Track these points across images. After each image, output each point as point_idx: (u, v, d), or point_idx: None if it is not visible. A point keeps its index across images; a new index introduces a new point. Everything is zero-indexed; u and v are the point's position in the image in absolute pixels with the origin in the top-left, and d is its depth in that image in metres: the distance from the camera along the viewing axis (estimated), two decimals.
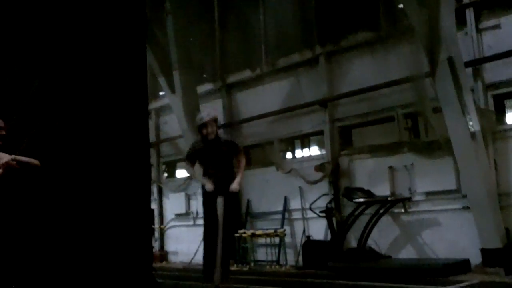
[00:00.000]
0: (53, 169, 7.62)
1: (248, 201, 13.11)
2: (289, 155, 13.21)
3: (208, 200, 6.28)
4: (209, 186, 6.23)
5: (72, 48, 8.03)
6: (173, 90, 13.42)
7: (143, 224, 8.61)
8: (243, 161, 6.66)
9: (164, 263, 14.69)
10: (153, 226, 15.01)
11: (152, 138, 15.24)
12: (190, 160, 6.68)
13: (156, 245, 15.37)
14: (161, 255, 15.09)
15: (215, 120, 6.73)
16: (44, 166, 7.26)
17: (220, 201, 6.18)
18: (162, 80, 13.64)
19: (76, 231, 7.59)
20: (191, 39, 13.82)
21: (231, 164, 6.63)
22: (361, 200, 10.23)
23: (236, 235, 12.44)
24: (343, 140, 11.75)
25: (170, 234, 15.40)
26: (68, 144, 7.79)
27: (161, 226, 15.45)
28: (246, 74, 13.53)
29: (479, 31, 9.63)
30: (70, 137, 7.83)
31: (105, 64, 8.39)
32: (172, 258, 15.13)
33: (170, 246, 15.35)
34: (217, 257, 6.09)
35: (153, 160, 15.54)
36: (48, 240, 7.33)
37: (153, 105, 15.66)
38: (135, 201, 8.40)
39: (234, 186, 6.42)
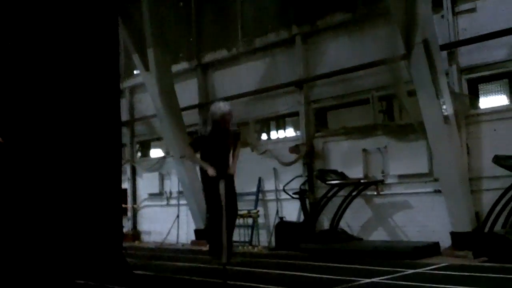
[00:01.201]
0: (22, 146, 7.44)
1: None
2: (264, 136, 13.13)
3: (210, 184, 6.47)
4: (212, 172, 6.37)
5: (41, 21, 7.78)
6: (147, 68, 13.12)
7: (113, 203, 8.48)
8: (239, 147, 6.86)
9: (136, 242, 14.58)
10: (125, 206, 14.90)
11: (126, 117, 15.05)
12: (194, 147, 6.81)
13: (129, 224, 15.26)
14: (133, 234, 15.00)
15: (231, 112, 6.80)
16: (10, 143, 7.09)
17: (222, 184, 6.37)
18: (136, 58, 13.33)
19: (44, 209, 7.45)
20: (167, 16, 13.49)
21: (229, 150, 6.78)
22: (334, 182, 10.22)
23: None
24: (318, 121, 11.70)
25: (143, 213, 15.27)
26: (37, 121, 7.59)
27: (134, 206, 15.32)
28: (222, 53, 13.34)
29: (455, 14, 9.59)
30: (38, 114, 7.63)
31: (75, 40, 8.15)
32: (145, 237, 15.03)
33: (143, 226, 15.24)
34: (223, 237, 6.25)
35: (127, 139, 15.36)
36: (17, 217, 7.18)
37: (127, 83, 15.42)
38: (105, 179, 8.26)
39: (233, 169, 6.62)
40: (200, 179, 6.91)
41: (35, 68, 7.64)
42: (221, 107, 6.57)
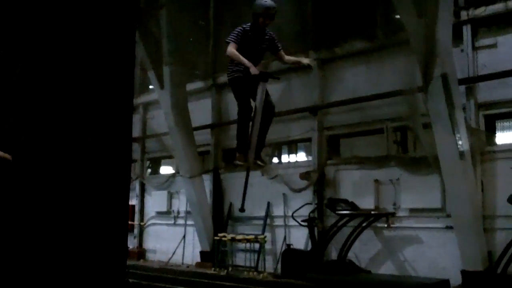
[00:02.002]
0: (28, 160, 7.39)
1: (231, 204, 12.90)
2: (275, 160, 13.01)
3: (247, 84, 5.91)
4: (254, 70, 5.79)
5: (54, 32, 7.78)
6: (162, 86, 13.15)
7: (118, 220, 8.37)
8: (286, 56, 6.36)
9: (141, 261, 14.44)
10: (132, 222, 14.81)
11: (138, 133, 15.04)
12: (236, 40, 6.00)
13: (134, 242, 15.14)
14: (139, 252, 14.87)
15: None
16: (18, 158, 7.03)
17: (262, 86, 5.84)
18: (152, 75, 13.36)
19: (47, 224, 7.36)
20: (185, 34, 13.53)
21: (263, 54, 6.30)
22: (345, 212, 10.05)
23: (216, 238, 12.25)
24: (330, 149, 11.57)
25: (150, 231, 15.15)
26: (44, 133, 7.54)
27: (141, 223, 15.20)
28: None
29: (475, 48, 9.47)
30: (45, 125, 7.58)
31: (90, 54, 8.12)
32: (150, 256, 14.89)
33: (149, 244, 15.10)
34: (252, 139, 5.85)
35: (138, 155, 15.33)
36: (17, 234, 7.09)
37: (141, 100, 15.43)
38: (112, 195, 8.16)
39: (306, 60, 6.39)
40: (230, 78, 6.17)
41: (47, 76, 7.61)
42: (267, 1, 6.05)
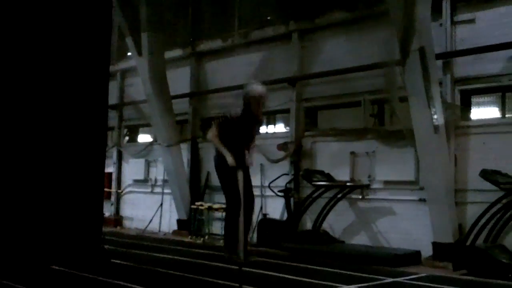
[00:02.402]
0: (4, 125, 7.29)
1: (208, 173, 12.93)
2: None
3: (227, 173, 6.01)
4: (231, 161, 5.88)
5: None
6: (140, 53, 12.96)
7: (93, 187, 8.30)
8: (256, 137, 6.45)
9: (118, 228, 14.49)
10: (109, 190, 14.78)
11: (115, 100, 14.87)
12: (221, 128, 6.10)
13: (111, 209, 15.15)
14: (116, 219, 14.90)
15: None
16: None
17: (240, 175, 5.93)
18: (130, 41, 13.14)
19: (20, 190, 7.30)
20: (164, 1, 13.28)
21: (252, 139, 6.37)
22: (320, 183, 10.17)
23: (193, 207, 12.31)
24: (308, 120, 11.62)
25: (127, 199, 15.16)
26: (17, 97, 7.40)
27: (118, 191, 15.18)
28: (217, 43, 13.19)
29: (453, 23, 9.49)
30: (18, 89, 7.43)
31: (65, 17, 7.91)
32: (127, 223, 14.93)
33: (126, 212, 15.13)
34: (240, 232, 5.84)
35: (115, 123, 15.20)
36: None
37: (119, 66, 15.22)
38: (87, 162, 8.08)
39: (251, 161, 6.29)
40: (215, 165, 6.33)
41: (19, 38, 7.43)
42: (259, 88, 6.12)
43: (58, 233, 7.59)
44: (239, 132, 6.09)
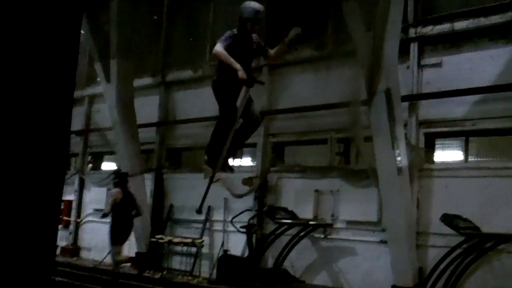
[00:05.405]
0: None
1: (171, 205, 12.64)
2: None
3: (230, 88, 5.60)
4: (242, 73, 5.42)
5: None
6: (108, 79, 12.78)
7: (48, 215, 7.99)
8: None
9: (75, 258, 13.96)
10: (68, 218, 14.33)
11: (80, 126, 14.57)
12: (224, 41, 5.62)
13: (69, 238, 14.64)
14: (73, 249, 14.38)
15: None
16: None
17: (245, 92, 5.59)
18: (98, 67, 12.96)
19: None
20: (135, 28, 13.15)
21: (250, 62, 6.02)
22: (283, 220, 9.98)
23: (153, 239, 11.96)
24: (275, 155, 11.48)
25: (86, 228, 14.69)
26: None
27: (78, 220, 14.70)
28: (188, 73, 13.06)
29: (420, 66, 9.55)
30: None
31: (28, 38, 7.73)
32: (84, 254, 14.43)
33: (84, 242, 14.64)
34: (225, 146, 5.58)
35: (79, 149, 14.84)
36: None
37: (87, 92, 14.96)
38: (42, 188, 7.79)
39: (278, 53, 5.99)
40: (215, 84, 5.85)
41: None
42: (256, 4, 5.73)
43: (4, 263, 7.22)
44: (239, 54, 5.62)
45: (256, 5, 5.74)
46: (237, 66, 5.46)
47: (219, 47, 5.56)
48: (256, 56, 6.07)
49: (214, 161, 5.78)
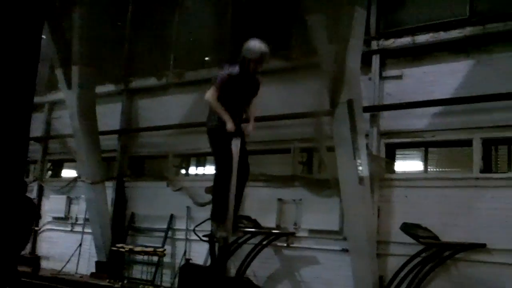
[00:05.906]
0: None
1: (133, 214, 12.48)
2: (183, 171, 12.76)
3: (223, 140, 5.45)
4: (231, 126, 5.33)
5: None
6: (69, 86, 12.56)
7: (7, 223, 7.75)
8: (256, 104, 5.85)
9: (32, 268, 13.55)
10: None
11: (40, 132, 14.27)
12: (220, 87, 5.43)
13: (27, 248, 14.23)
14: (31, 259, 13.97)
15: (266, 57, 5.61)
16: None
17: (236, 143, 5.44)
18: (59, 73, 12.74)
19: None
20: (98, 35, 12.97)
21: (249, 102, 5.81)
22: (246, 229, 9.96)
23: (113, 248, 11.77)
24: None
25: (45, 237, 14.34)
26: None
27: (36, 228, 14.32)
28: (151, 81, 12.96)
29: (382, 78, 9.75)
30: None
31: None
32: (43, 263, 14.05)
33: (42, 250, 14.28)
34: (230, 203, 5.39)
35: (38, 156, 14.51)
36: None
37: (47, 98, 14.67)
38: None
39: (250, 128, 5.63)
40: (208, 129, 5.72)
41: None
42: (262, 45, 5.46)
43: None
44: (238, 93, 5.53)
45: (262, 47, 5.53)
46: (226, 117, 5.35)
47: (211, 95, 5.44)
48: (254, 95, 5.84)
49: (223, 220, 5.47)
